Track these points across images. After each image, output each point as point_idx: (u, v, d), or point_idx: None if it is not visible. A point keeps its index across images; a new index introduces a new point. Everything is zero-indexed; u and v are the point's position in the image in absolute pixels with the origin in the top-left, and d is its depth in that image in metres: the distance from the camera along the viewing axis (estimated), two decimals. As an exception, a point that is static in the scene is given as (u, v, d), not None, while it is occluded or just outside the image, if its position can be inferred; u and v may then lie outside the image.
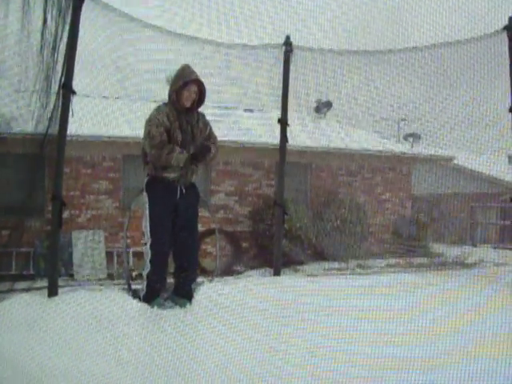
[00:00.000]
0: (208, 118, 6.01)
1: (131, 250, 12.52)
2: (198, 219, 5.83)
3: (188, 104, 5.68)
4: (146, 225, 5.55)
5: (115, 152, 14.39)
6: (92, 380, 3.63)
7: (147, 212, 5.53)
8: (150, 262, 5.48)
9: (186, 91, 5.62)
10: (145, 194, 5.64)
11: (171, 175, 5.58)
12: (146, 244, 5.55)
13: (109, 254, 14.01)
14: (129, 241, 12.78)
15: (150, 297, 5.46)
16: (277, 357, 3.85)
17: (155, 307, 5.34)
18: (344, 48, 8.28)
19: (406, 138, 21.59)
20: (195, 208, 5.80)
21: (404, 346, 3.94)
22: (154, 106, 5.90)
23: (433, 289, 5.88)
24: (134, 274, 11.75)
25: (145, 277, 5.56)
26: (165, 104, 5.75)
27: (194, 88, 5.67)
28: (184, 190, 5.66)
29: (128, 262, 12.50)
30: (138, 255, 10.47)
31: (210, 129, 5.95)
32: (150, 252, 5.49)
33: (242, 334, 4.29)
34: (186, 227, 5.66)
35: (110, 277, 13.36)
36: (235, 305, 5.18)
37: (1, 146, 13.15)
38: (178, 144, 5.58)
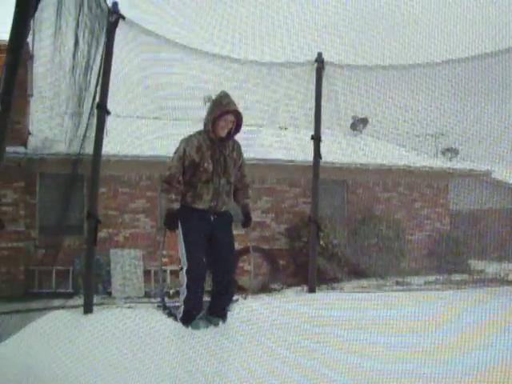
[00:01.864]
0: (243, 137, 5.98)
1: (168, 269, 12.59)
2: (233, 244, 5.79)
3: (223, 134, 5.60)
4: (181, 251, 5.53)
5: (152, 171, 14.54)
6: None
7: (181, 238, 5.53)
8: (187, 287, 5.47)
9: (223, 121, 5.55)
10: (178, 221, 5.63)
11: (200, 207, 5.58)
12: (181, 269, 5.54)
13: (146, 273, 14.12)
14: (166, 259, 12.88)
15: (186, 319, 5.45)
16: (303, 374, 3.81)
17: (190, 328, 5.33)
18: (376, 63, 8.24)
19: (443, 152, 21.36)
20: (229, 233, 5.76)
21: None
22: (186, 125, 5.91)
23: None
24: (171, 291, 11.83)
25: (181, 302, 5.54)
26: (199, 132, 5.70)
27: (230, 118, 5.58)
28: (216, 217, 5.64)
29: (164, 280, 12.60)
30: (175, 273, 10.53)
31: (243, 160, 5.91)
32: (186, 277, 5.48)
33: (268, 351, 4.27)
34: (222, 253, 5.62)
35: (148, 295, 13.45)
36: (266, 323, 5.16)
37: (40, 166, 13.43)
38: (209, 175, 5.54)
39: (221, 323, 5.50)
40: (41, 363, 4.29)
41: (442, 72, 8.35)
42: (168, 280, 13.23)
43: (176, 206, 5.50)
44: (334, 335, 4.75)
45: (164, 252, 6.60)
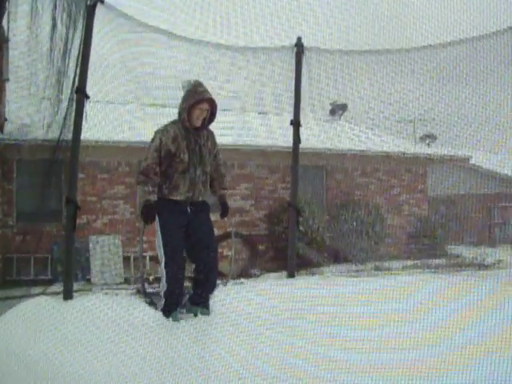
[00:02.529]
0: (221, 123, 5.97)
1: (148, 255, 12.55)
2: (213, 232, 5.78)
3: (198, 123, 5.59)
4: (158, 244, 5.50)
5: (131, 157, 14.45)
6: (97, 379, 3.64)
7: (158, 231, 5.50)
8: (166, 280, 5.44)
9: (198, 110, 5.53)
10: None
11: (177, 198, 5.55)
12: (160, 263, 5.51)
13: (125, 259, 14.07)
14: (145, 245, 12.85)
15: (167, 312, 5.43)
16: (288, 354, 3.84)
17: (170, 319, 5.32)
18: (355, 49, 8.25)
19: (422, 138, 21.49)
20: (208, 222, 5.73)
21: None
22: (166, 111, 5.86)
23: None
24: (151, 278, 11.80)
25: (162, 295, 5.52)
26: (173, 122, 5.66)
27: (205, 106, 5.57)
28: (193, 208, 5.61)
29: (144, 267, 12.56)
30: (155, 259, 10.51)
31: (218, 149, 5.89)
32: (164, 271, 5.45)
33: (251, 334, 4.29)
34: (202, 242, 5.60)
35: (127, 281, 13.41)
36: (248, 306, 5.18)
37: (17, 153, 13.29)
38: (185, 165, 5.51)
39: (200, 314, 5.48)
40: (23, 348, 4.27)
41: (421, 57, 8.37)
42: (148, 266, 13.21)
43: (153, 197, 5.46)
44: (314, 314, 4.78)
45: (144, 238, 6.55)
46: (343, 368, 3.53)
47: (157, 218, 5.51)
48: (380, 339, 4.08)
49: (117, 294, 5.82)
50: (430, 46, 8.06)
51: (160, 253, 5.45)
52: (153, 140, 5.58)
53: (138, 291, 6.08)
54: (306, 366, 3.68)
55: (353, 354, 3.81)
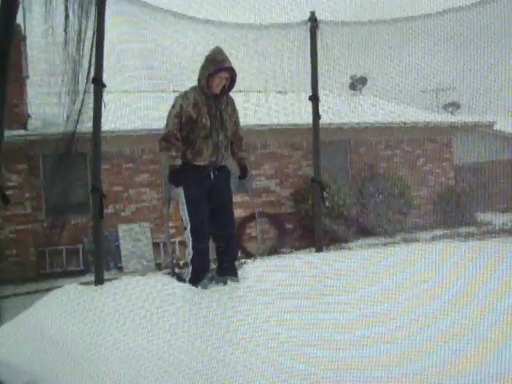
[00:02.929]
0: (241, 102, 5.97)
1: (177, 240, 12.66)
2: (232, 198, 5.82)
3: (218, 91, 5.57)
4: (183, 211, 5.56)
5: (153, 144, 14.51)
6: (128, 353, 3.73)
7: (183, 199, 5.56)
8: (193, 247, 5.51)
9: (218, 78, 5.51)
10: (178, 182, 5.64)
11: (201, 163, 5.58)
12: (185, 229, 5.57)
13: (155, 245, 14.22)
14: (173, 230, 12.96)
15: (195, 279, 5.48)
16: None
17: (199, 287, 5.37)
18: (371, 19, 8.15)
19: (445, 107, 21.25)
20: (228, 188, 5.78)
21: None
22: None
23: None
24: (181, 262, 11.90)
25: (189, 262, 5.58)
26: (193, 88, 5.65)
27: (225, 75, 5.55)
28: (216, 173, 5.66)
29: (174, 252, 12.68)
30: (184, 244, 10.59)
31: (238, 116, 5.92)
32: (191, 237, 5.51)
33: (278, 309, 4.32)
34: (222, 207, 5.66)
35: (158, 267, 13.56)
36: (275, 281, 5.20)
37: (42, 148, 13.44)
38: (207, 130, 5.52)
39: (229, 282, 5.51)
40: (57, 330, 4.36)
41: (440, 23, 8.25)
42: (177, 251, 13.32)
43: (178, 162, 5.50)
44: (339, 290, 4.79)
45: (171, 223, 6.61)
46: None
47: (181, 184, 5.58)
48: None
49: (149, 277, 5.89)
50: (450, 9, 7.92)
51: (185, 219, 5.50)
52: (173, 106, 5.59)
53: (169, 273, 6.14)
54: (334, 336, 3.70)
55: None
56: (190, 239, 5.51)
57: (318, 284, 5.01)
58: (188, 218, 5.50)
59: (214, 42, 7.73)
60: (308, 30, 7.68)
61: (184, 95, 5.62)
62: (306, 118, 13.71)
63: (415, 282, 4.64)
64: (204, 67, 5.59)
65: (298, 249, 13.52)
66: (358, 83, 18.77)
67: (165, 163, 5.58)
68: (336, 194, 14.64)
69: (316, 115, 7.59)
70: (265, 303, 4.60)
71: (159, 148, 5.58)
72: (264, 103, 15.60)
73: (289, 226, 15.52)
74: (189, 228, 5.50)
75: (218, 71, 5.51)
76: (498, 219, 15.97)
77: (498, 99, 9.83)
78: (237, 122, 5.86)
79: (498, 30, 7.90)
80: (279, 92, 17.94)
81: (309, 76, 7.78)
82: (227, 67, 5.56)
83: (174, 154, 5.48)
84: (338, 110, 13.86)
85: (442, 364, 3.17)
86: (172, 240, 13.15)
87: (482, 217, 16.83)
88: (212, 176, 5.62)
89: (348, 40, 8.52)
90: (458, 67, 9.00)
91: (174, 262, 9.38)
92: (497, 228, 14.97)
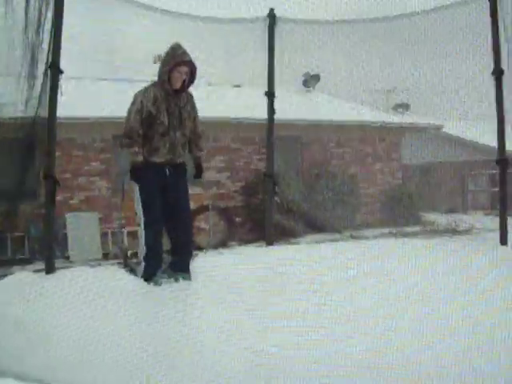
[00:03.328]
0: (195, 94, 6.00)
1: (126, 230, 12.59)
2: (188, 195, 5.87)
3: (178, 85, 5.62)
4: (138, 206, 5.59)
5: (106, 133, 14.39)
6: (84, 338, 3.76)
7: (137, 194, 5.58)
8: (146, 243, 5.54)
9: (177, 72, 5.56)
10: (133, 176, 5.66)
11: (157, 160, 5.60)
12: (139, 225, 5.59)
13: (103, 235, 14.09)
14: (123, 221, 12.89)
15: (147, 276, 5.52)
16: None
17: (152, 284, 5.40)
18: (328, 18, 8.28)
19: (395, 108, 21.65)
20: (185, 184, 5.83)
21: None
22: (141, 85, 5.88)
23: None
24: (129, 252, 11.87)
25: (141, 259, 5.61)
26: (153, 85, 5.69)
27: (185, 69, 5.60)
28: (172, 170, 5.68)
29: (122, 241, 12.63)
30: (133, 235, 10.55)
31: (197, 113, 5.94)
32: (144, 233, 5.54)
33: (232, 302, 4.41)
34: (179, 203, 5.70)
35: (106, 257, 13.45)
36: (228, 275, 5.28)
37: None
38: (165, 128, 5.56)
39: (181, 280, 5.56)
40: (15, 315, 4.35)
41: (393, 27, 8.42)
42: (126, 241, 13.26)
43: (140, 158, 5.53)
44: (294, 281, 4.91)
45: (122, 214, 6.60)
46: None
47: (135, 179, 5.60)
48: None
49: (100, 264, 5.89)
50: (403, 14, 8.11)
51: (139, 215, 5.55)
52: (133, 103, 5.61)
53: (121, 265, 6.15)
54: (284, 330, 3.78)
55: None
56: (143, 235, 5.55)
57: (271, 276, 5.12)
58: (142, 215, 5.54)
59: (174, 33, 7.74)
60: (266, 26, 7.75)
61: (144, 91, 5.65)
62: (260, 113, 13.85)
63: (364, 275, 4.80)
64: (164, 62, 5.62)
65: (247, 242, 13.57)
66: (311, 80, 18.94)
67: (129, 158, 5.59)
68: (286, 190, 14.75)
69: (271, 110, 7.68)
70: (218, 298, 4.67)
71: (121, 144, 5.60)
72: (218, 96, 15.61)
73: (238, 219, 15.59)
74: (142, 224, 5.53)
75: (177, 65, 5.54)
76: (442, 219, 16.40)
77: (447, 103, 10.10)
78: (196, 119, 5.90)
79: (448, 36, 8.11)
80: (234, 86, 18.00)
81: (265, 71, 7.86)
82: (187, 61, 5.59)
83: (136, 150, 5.50)
84: (290, 107, 13.98)
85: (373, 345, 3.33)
86: (122, 230, 13.12)
87: (427, 217, 17.25)
88: (168, 173, 5.64)
89: (304, 37, 8.63)
90: (408, 70, 9.20)
91: (124, 252, 9.36)
92: (441, 228, 15.36)
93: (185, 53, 5.62)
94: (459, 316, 3.87)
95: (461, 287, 4.44)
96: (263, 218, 13.86)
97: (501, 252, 6.10)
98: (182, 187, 5.78)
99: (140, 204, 5.55)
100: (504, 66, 7.04)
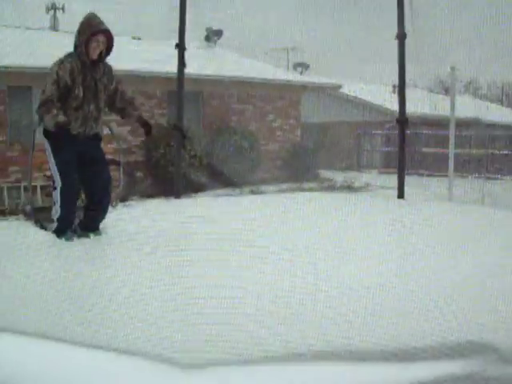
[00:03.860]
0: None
1: (39, 185, 12.19)
2: (106, 162, 5.80)
3: (95, 56, 5.44)
4: (53, 171, 5.49)
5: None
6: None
7: (52, 159, 5.47)
8: (60, 206, 5.48)
9: (95, 42, 5.38)
10: (46, 141, 5.53)
11: (72, 132, 5.50)
12: (55, 189, 5.51)
13: (-2, 190, 13.58)
14: (19, 175, 12.51)
15: (59, 232, 5.47)
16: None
17: (63, 239, 5.37)
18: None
19: (295, 67, 21.97)
20: (100, 151, 5.76)
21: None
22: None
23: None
24: (27, 208, 11.54)
25: (55, 220, 5.55)
26: (69, 55, 5.49)
27: (102, 39, 5.42)
28: (86, 140, 5.59)
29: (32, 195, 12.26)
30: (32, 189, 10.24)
31: (117, 82, 5.75)
32: (59, 196, 5.47)
33: (143, 254, 4.48)
34: (97, 171, 5.64)
35: (2, 213, 13.00)
36: (135, 226, 5.33)
37: None
38: (78, 102, 5.41)
39: (92, 236, 5.56)
40: None
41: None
42: (22, 196, 12.89)
43: (62, 118, 5.37)
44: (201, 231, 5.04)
45: (16, 168, 6.43)
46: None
47: (49, 144, 5.48)
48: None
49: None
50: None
51: (56, 178, 5.47)
52: (50, 75, 5.43)
53: (29, 219, 6.03)
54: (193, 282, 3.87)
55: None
56: (59, 199, 5.48)
57: (181, 228, 5.20)
58: (59, 178, 5.45)
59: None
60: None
61: (60, 62, 5.44)
62: (162, 66, 13.67)
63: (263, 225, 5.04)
64: (80, 32, 5.44)
65: (149, 197, 13.50)
66: (213, 35, 18.85)
67: (50, 123, 5.40)
68: (188, 145, 14.73)
69: (181, 63, 7.63)
70: (134, 250, 4.71)
71: (39, 113, 5.42)
72: (117, 48, 15.24)
73: (140, 174, 15.44)
74: (59, 188, 5.46)
75: (94, 34, 5.40)
76: (339, 176, 16.95)
77: (345, 64, 10.38)
78: (119, 89, 5.76)
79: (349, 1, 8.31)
80: (134, 38, 17.64)
81: (167, 25, 7.78)
82: (104, 30, 5.47)
83: (55, 111, 5.34)
84: (192, 61, 13.89)
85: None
86: (17, 185, 12.72)
87: (324, 173, 17.76)
88: (81, 142, 5.55)
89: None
90: (309, 30, 9.38)
91: (28, 207, 9.11)
92: (337, 184, 15.89)
93: (101, 22, 5.48)
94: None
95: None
96: (164, 172, 13.89)
97: (400, 201, 6.73)
98: (98, 153, 5.72)
99: (56, 168, 5.46)
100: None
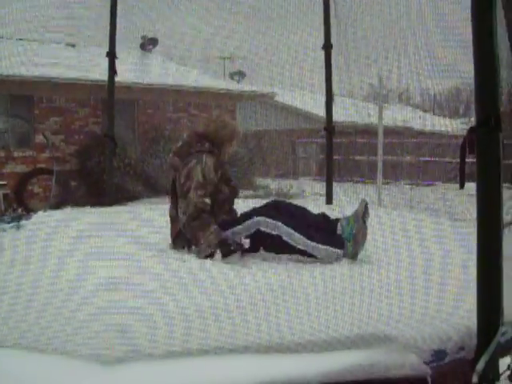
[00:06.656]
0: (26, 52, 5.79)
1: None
2: None
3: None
4: None
5: None
6: None
7: None
8: None
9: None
10: None
11: None
12: None
13: None
14: None
15: None
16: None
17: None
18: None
19: (231, 76, 22.12)
20: None
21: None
22: None
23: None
24: None
25: None
26: (210, 154, 4.80)
27: None
28: None
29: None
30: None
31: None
32: None
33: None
34: None
35: None
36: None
37: None
38: (226, 198, 4.85)
39: None
40: None
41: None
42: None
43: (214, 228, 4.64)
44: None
45: None
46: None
47: None
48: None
49: None
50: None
51: None
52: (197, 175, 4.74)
53: None
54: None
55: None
56: None
57: (109, 233, 5.18)
58: None
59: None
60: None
61: (205, 162, 4.77)
62: (96, 74, 13.57)
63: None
64: (228, 137, 4.98)
65: (83, 206, 13.35)
66: (148, 43, 18.80)
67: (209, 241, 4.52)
68: (122, 153, 14.64)
69: (112, 71, 7.59)
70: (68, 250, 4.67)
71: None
72: (51, 54, 15.07)
73: (73, 183, 15.26)
74: None
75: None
76: (274, 184, 17.15)
77: (280, 72, 10.55)
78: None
79: (289, 8, 8.44)
80: (68, 44, 17.44)
81: (101, 31, 7.73)
82: None
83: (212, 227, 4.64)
84: (126, 69, 13.85)
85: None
86: None
87: (260, 181, 17.92)
88: None
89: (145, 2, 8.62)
90: (245, 39, 9.48)
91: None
92: (273, 192, 16.07)
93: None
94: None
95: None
96: (98, 181, 13.74)
97: (329, 206, 6.92)
98: None
99: None
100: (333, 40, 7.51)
